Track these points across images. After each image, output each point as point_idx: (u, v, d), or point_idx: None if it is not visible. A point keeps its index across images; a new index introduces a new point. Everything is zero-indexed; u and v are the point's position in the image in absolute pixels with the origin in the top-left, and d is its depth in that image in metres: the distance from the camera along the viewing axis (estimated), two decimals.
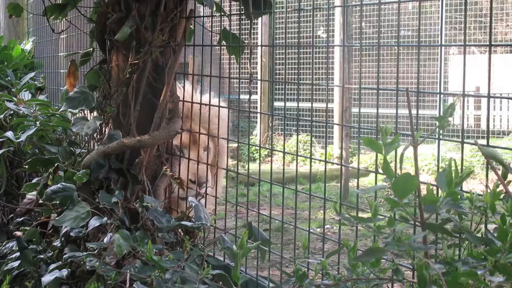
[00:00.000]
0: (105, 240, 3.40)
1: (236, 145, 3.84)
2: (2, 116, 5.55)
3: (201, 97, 4.26)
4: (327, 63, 3.74)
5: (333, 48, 14.09)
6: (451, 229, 2.12)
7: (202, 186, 4.34)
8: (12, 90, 6.53)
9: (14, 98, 5.78)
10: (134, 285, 2.89)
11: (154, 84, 3.98)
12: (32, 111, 5.35)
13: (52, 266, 3.57)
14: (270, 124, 15.56)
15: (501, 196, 2.08)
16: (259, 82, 14.16)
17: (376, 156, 2.69)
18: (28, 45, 9.51)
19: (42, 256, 3.81)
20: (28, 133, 4.83)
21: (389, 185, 2.02)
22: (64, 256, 3.55)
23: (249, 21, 3.73)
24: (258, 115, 15.72)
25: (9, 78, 7.53)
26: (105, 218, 3.50)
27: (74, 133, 4.93)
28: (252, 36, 3.68)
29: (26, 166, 4.47)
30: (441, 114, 2.07)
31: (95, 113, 4.20)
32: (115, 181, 3.84)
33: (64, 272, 3.46)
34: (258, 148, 15.09)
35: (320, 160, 3.45)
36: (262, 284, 3.44)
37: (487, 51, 2.42)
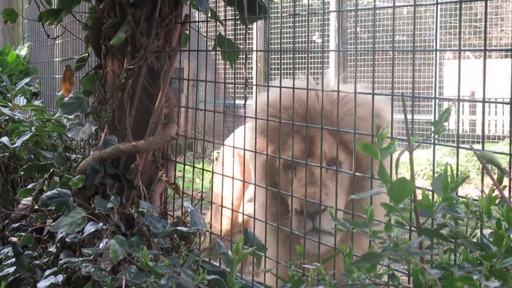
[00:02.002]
0: (101, 245, 3.40)
1: (229, 149, 3.84)
2: None
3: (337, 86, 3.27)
4: (323, 68, 3.74)
5: (328, 53, 14.10)
6: (446, 234, 2.12)
7: (315, 219, 3.63)
8: (7, 95, 6.52)
9: (9, 104, 5.77)
10: None
11: (150, 89, 3.98)
12: (27, 116, 5.34)
13: (48, 272, 3.56)
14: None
15: (497, 201, 2.08)
16: (254, 87, 14.16)
17: (372, 161, 2.70)
18: (23, 51, 9.51)
19: (37, 262, 3.80)
20: (24, 138, 4.82)
21: (384, 190, 2.02)
22: (60, 261, 3.54)
23: (244, 26, 3.73)
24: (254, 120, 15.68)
25: (4, 83, 7.51)
26: (101, 224, 3.50)
27: (70, 139, 4.92)
28: (247, 41, 3.68)
29: (22, 172, 4.46)
30: (437, 119, 2.07)
31: (90, 119, 4.20)
32: (110, 187, 3.83)
33: (60, 277, 3.45)
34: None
35: (315, 165, 3.45)
36: None
37: (482, 56, 2.43)
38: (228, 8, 3.87)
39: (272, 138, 3.66)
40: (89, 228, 3.48)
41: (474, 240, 2.11)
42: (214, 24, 3.96)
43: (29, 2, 4.60)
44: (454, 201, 2.02)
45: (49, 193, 3.70)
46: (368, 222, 2.08)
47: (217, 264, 3.59)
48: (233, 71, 3.95)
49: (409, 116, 2.21)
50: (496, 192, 2.08)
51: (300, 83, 3.53)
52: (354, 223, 2.16)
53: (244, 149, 3.73)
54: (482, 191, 2.20)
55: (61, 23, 4.48)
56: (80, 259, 3.41)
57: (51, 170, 4.12)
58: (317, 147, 3.62)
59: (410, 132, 2.10)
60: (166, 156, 4.11)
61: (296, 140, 3.76)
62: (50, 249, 3.84)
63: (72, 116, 4.25)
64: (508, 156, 2.37)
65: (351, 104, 3.35)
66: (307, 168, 3.58)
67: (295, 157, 3.63)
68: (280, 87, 3.43)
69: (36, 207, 3.99)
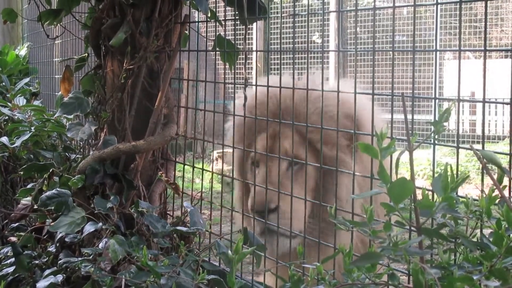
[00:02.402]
0: (100, 245, 3.40)
1: (231, 150, 3.84)
2: None
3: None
4: (322, 68, 3.74)
5: (328, 53, 14.09)
6: (446, 234, 2.12)
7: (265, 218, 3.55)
8: (7, 95, 6.53)
9: (9, 104, 5.77)
10: None
11: (149, 90, 3.97)
12: (27, 116, 5.34)
13: (47, 271, 3.56)
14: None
15: (497, 201, 2.08)
16: (254, 87, 14.11)
17: (372, 161, 2.70)
18: (23, 51, 9.51)
19: (37, 262, 3.79)
20: (23, 138, 4.82)
21: (384, 190, 2.02)
22: (59, 261, 3.54)
23: (243, 27, 3.73)
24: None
25: (3, 83, 7.52)
26: (100, 224, 3.50)
27: (69, 139, 4.92)
28: (246, 41, 3.68)
29: (21, 172, 4.46)
30: (437, 119, 2.06)
31: (90, 118, 4.20)
32: (110, 187, 3.83)
33: (59, 277, 3.45)
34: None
35: (315, 165, 3.45)
36: None
37: (482, 56, 2.42)
38: (228, 8, 3.87)
39: (242, 135, 3.71)
40: (89, 228, 3.48)
41: (474, 240, 2.11)
42: (214, 24, 3.96)
43: (28, 2, 4.60)
44: (454, 201, 2.02)
45: (48, 193, 3.70)
46: (368, 222, 2.08)
47: (217, 264, 3.58)
48: (233, 71, 3.95)
49: (409, 116, 2.21)
50: (496, 192, 2.08)
51: (284, 78, 3.50)
52: (353, 222, 2.16)
53: (233, 147, 3.73)
54: (482, 191, 2.20)
55: (61, 23, 4.48)
56: (80, 259, 3.41)
57: (51, 170, 4.12)
58: (280, 144, 3.62)
59: (410, 132, 2.09)
60: (165, 156, 4.11)
61: (263, 137, 3.81)
62: (50, 249, 3.84)
63: (71, 116, 4.24)
64: (508, 156, 2.37)
65: (319, 104, 3.33)
66: (267, 166, 3.68)
67: (258, 155, 3.80)
68: (280, 86, 3.43)
69: (35, 207, 3.99)
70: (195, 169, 4.01)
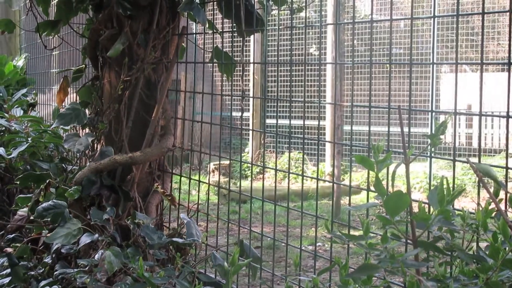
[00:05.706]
0: (96, 256, 3.39)
1: (228, 162, 3.84)
2: None
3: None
4: (319, 81, 3.75)
5: (325, 66, 14.11)
6: (442, 247, 2.12)
7: None
8: (4, 106, 6.53)
9: (6, 115, 5.77)
10: None
11: (146, 101, 3.98)
12: (23, 127, 5.34)
13: (43, 282, 3.56)
14: (262, 141, 15.50)
15: (493, 214, 2.08)
16: (251, 99, 14.18)
17: (368, 173, 2.70)
18: (20, 62, 9.51)
19: (33, 273, 3.79)
20: (20, 149, 4.82)
21: (380, 203, 2.02)
22: (55, 272, 3.54)
23: (241, 39, 3.74)
24: (250, 132, 15.72)
25: (1, 94, 7.51)
26: (97, 235, 3.50)
27: (66, 150, 4.92)
28: (244, 53, 3.69)
29: (18, 182, 4.45)
30: (433, 132, 2.07)
31: (87, 130, 4.20)
32: (106, 198, 3.83)
33: None
34: (250, 165, 15.04)
35: (312, 178, 3.45)
36: None
37: (479, 69, 2.43)
38: (226, 20, 3.88)
39: None
40: (85, 239, 3.48)
41: (470, 253, 2.10)
42: (211, 36, 3.97)
43: (26, 13, 4.62)
44: (450, 214, 2.02)
45: (45, 204, 3.70)
46: (364, 235, 2.08)
47: (213, 276, 3.58)
48: (230, 83, 3.96)
49: (405, 129, 2.22)
50: (492, 205, 2.08)
51: None
52: (349, 235, 2.16)
53: (230, 159, 3.73)
54: (478, 204, 2.20)
55: (58, 34, 4.49)
56: (76, 270, 3.41)
57: (47, 181, 4.11)
58: None
59: (407, 145, 2.10)
60: (162, 168, 4.11)
61: None
62: (46, 260, 3.84)
63: (68, 127, 4.25)
64: (504, 170, 2.38)
65: None
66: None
67: None
68: (277, 98, 3.44)
69: (31, 218, 3.99)
70: (191, 180, 4.01)
